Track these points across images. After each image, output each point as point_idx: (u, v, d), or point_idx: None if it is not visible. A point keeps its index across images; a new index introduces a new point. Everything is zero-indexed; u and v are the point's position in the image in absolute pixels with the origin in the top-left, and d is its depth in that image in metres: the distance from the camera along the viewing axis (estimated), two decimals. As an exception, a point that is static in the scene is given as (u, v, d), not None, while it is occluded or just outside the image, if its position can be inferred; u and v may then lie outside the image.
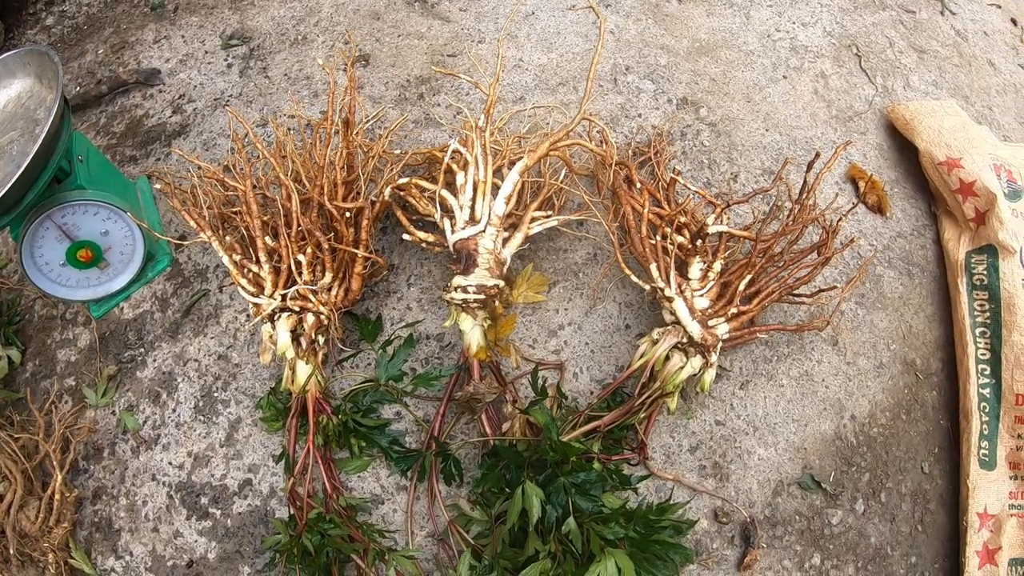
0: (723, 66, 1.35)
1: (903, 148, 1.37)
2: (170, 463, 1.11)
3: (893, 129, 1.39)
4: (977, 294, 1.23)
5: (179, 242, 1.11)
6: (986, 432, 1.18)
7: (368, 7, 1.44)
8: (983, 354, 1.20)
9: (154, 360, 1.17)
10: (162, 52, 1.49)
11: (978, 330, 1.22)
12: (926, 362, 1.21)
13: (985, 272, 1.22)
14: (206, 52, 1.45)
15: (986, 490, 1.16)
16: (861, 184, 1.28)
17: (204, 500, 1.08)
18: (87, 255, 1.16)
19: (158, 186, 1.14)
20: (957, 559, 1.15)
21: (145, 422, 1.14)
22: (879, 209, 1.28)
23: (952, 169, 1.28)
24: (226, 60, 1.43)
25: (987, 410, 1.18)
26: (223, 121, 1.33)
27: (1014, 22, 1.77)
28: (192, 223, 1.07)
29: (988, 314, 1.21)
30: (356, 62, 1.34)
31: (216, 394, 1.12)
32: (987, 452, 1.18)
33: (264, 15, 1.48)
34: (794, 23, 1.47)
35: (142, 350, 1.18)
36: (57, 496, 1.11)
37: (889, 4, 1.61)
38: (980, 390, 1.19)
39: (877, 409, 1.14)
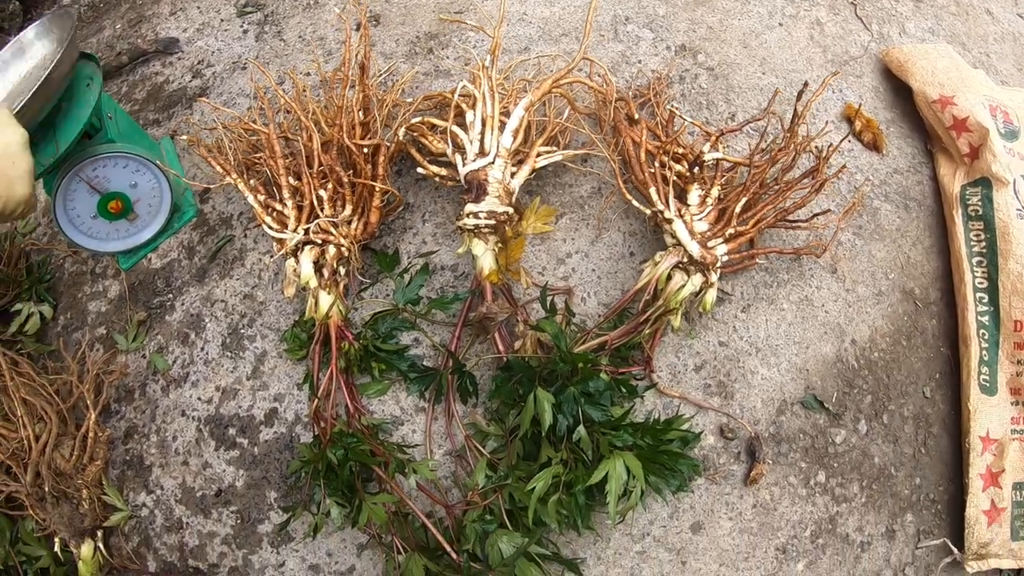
0: (720, 15, 1.47)
1: (899, 90, 1.49)
2: (199, 398, 1.23)
3: (888, 72, 1.50)
4: (973, 224, 1.34)
5: (207, 186, 1.23)
6: (986, 358, 1.27)
7: (376, -28, 1.58)
8: (980, 283, 1.30)
9: (182, 304, 1.29)
10: (179, 23, 1.64)
11: (975, 259, 1.32)
12: (925, 292, 1.31)
13: (980, 203, 1.33)
14: (222, 20, 1.60)
15: (988, 414, 1.25)
16: (857, 123, 1.39)
17: (232, 431, 1.20)
18: (117, 206, 1.29)
19: (184, 137, 1.28)
20: (961, 482, 1.24)
21: (175, 362, 1.26)
22: (875, 147, 1.39)
23: (945, 107, 1.39)
24: (242, 27, 1.57)
25: (986, 337, 1.28)
26: (242, 82, 1.47)
27: (1012, -27, 1.88)
28: (218, 168, 1.20)
29: (984, 244, 1.31)
30: (367, 22, 1.47)
31: (242, 331, 1.24)
32: (988, 378, 1.27)
33: (277, -16, 1.62)
34: (789, -25, 1.59)
35: (170, 296, 1.31)
36: (91, 435, 1.24)
37: (885, -44, 1.73)
38: (979, 317, 1.29)
39: (877, 335, 1.25)
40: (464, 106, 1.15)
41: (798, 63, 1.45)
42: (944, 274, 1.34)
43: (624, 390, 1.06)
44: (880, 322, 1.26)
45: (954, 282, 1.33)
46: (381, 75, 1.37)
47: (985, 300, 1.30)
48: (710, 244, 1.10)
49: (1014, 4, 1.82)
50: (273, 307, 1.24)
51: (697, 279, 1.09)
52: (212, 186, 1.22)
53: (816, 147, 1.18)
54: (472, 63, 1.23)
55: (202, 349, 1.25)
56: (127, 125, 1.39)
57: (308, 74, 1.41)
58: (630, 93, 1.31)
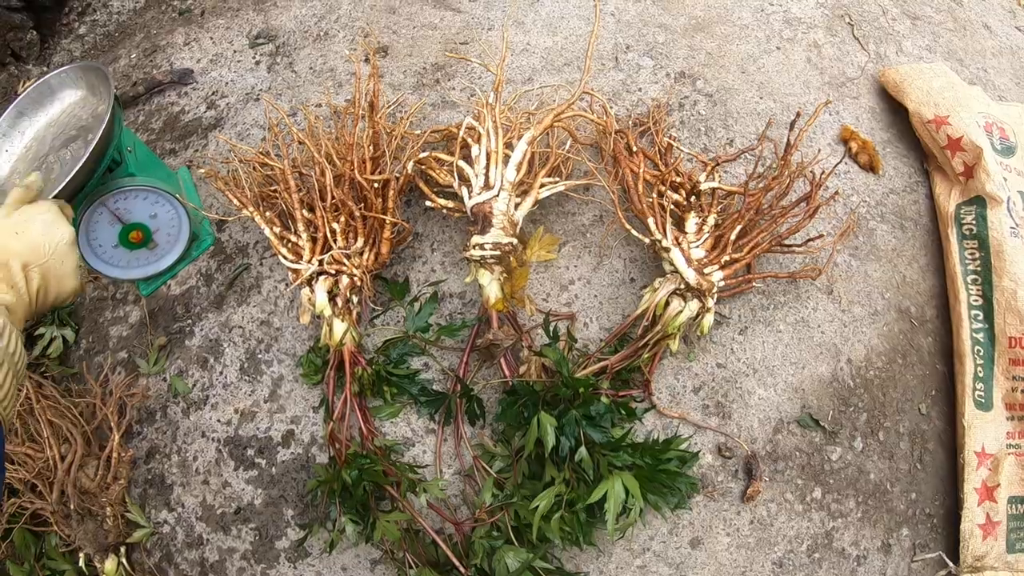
0: (718, 41, 1.56)
1: (895, 111, 1.56)
2: (218, 420, 1.33)
3: (885, 93, 1.58)
4: (967, 243, 1.41)
5: (223, 219, 1.33)
6: (981, 374, 1.35)
7: (384, 2, 1.68)
8: (975, 300, 1.38)
9: (201, 329, 1.40)
10: (192, 53, 1.74)
11: (969, 277, 1.39)
12: (920, 310, 1.39)
13: (974, 222, 1.40)
14: (235, 51, 1.70)
15: (983, 430, 1.33)
16: (853, 145, 1.47)
17: (250, 452, 1.30)
18: (138, 236, 1.40)
19: (201, 171, 1.38)
20: (957, 496, 1.31)
21: (194, 385, 1.36)
22: (871, 168, 1.46)
23: (940, 127, 1.47)
24: (254, 58, 1.67)
25: (981, 353, 1.35)
26: (255, 113, 1.58)
27: (1012, -15, 1.95)
28: (235, 201, 1.30)
29: (978, 262, 1.39)
30: (376, 53, 1.57)
31: (260, 356, 1.34)
32: (983, 394, 1.34)
33: (287, 14, 1.73)
34: (787, -3, 1.68)
35: (190, 321, 1.41)
36: (114, 455, 1.34)
37: (883, -26, 1.80)
38: (973, 334, 1.36)
39: (873, 353, 1.32)
40: (469, 140, 1.24)
41: (795, 87, 1.53)
42: (940, 292, 1.41)
43: (624, 412, 1.15)
44: (876, 341, 1.33)
45: (949, 300, 1.40)
46: (390, 106, 1.46)
47: (980, 317, 1.37)
48: (706, 271, 1.18)
49: (1012, 17, 1.88)
50: (289, 333, 1.34)
51: (694, 305, 1.17)
52: (229, 218, 1.32)
53: (811, 172, 1.26)
54: (477, 96, 1.32)
55: (221, 373, 1.35)
56: (146, 157, 1.50)
57: (319, 106, 1.51)
58: (630, 122, 1.40)
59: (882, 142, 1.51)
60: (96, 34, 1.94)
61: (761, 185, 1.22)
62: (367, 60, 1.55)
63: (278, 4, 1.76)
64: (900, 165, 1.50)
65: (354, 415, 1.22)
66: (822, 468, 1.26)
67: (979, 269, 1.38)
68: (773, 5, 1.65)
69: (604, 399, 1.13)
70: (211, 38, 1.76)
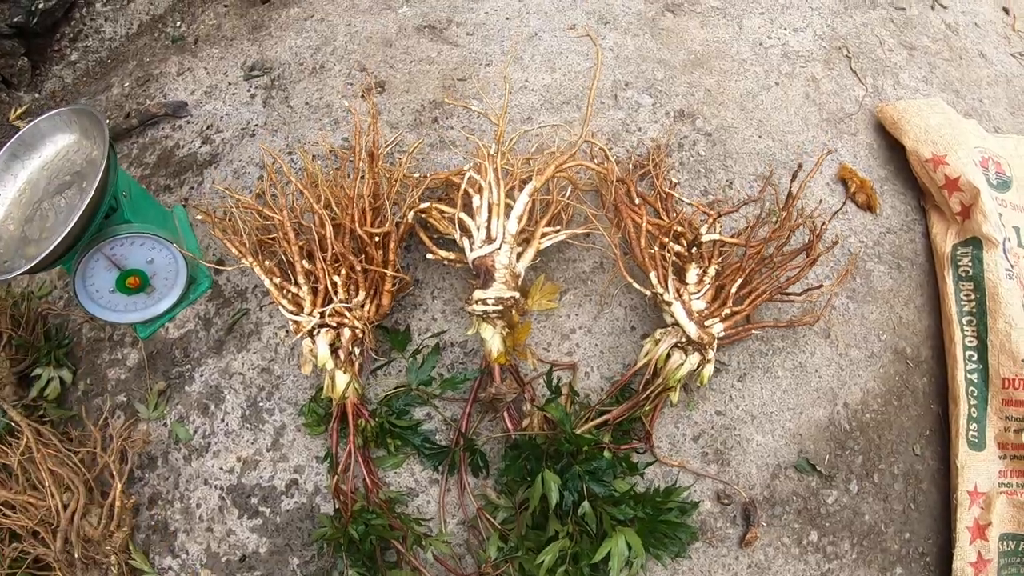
0: (717, 76, 1.53)
1: (892, 146, 1.55)
2: (221, 468, 1.32)
3: (882, 128, 1.56)
4: (963, 285, 1.41)
5: (218, 267, 1.31)
6: (974, 415, 1.36)
7: (380, 34, 1.64)
8: (970, 341, 1.38)
9: (201, 375, 1.37)
10: (186, 84, 1.70)
11: (965, 319, 1.39)
12: (916, 350, 1.39)
13: (970, 264, 1.40)
14: (229, 83, 1.66)
15: (976, 469, 1.34)
16: (851, 184, 1.46)
17: (254, 500, 1.29)
18: (135, 282, 1.38)
19: (199, 217, 1.35)
20: (949, 535, 1.33)
21: (195, 432, 1.35)
22: (869, 207, 1.45)
23: (938, 166, 1.46)
24: (249, 91, 1.63)
25: (975, 394, 1.36)
26: (251, 150, 1.54)
27: (1006, 11, 1.93)
28: (234, 251, 1.27)
29: (974, 303, 1.39)
30: (373, 91, 1.54)
31: (261, 404, 1.32)
32: (976, 434, 1.35)
33: (282, 45, 1.68)
34: (785, 29, 1.65)
35: (189, 366, 1.39)
36: (117, 503, 1.33)
37: (880, 2, 1.78)
38: (968, 375, 1.37)
39: (869, 396, 1.33)
40: (471, 191, 1.22)
41: (794, 124, 1.51)
42: (936, 332, 1.41)
43: (626, 466, 1.15)
44: (872, 383, 1.34)
45: (944, 341, 1.40)
46: (388, 146, 1.43)
47: (975, 358, 1.37)
48: (707, 323, 1.17)
49: (1007, 43, 1.87)
50: (290, 381, 1.32)
51: (695, 358, 1.17)
52: (227, 267, 1.29)
53: (811, 219, 1.25)
54: (475, 138, 1.29)
55: (222, 420, 1.34)
56: (140, 198, 1.47)
57: (316, 144, 1.48)
58: (631, 165, 1.38)
59: (879, 179, 1.50)
60: (88, 61, 1.88)
61: (762, 236, 1.21)
62: (363, 97, 1.52)
63: (272, 34, 1.71)
64: (897, 203, 1.49)
65: (358, 466, 1.21)
66: (818, 512, 1.27)
67: (974, 311, 1.38)
68: (771, 39, 1.62)
69: (607, 454, 1.13)
70: (205, 68, 1.71)
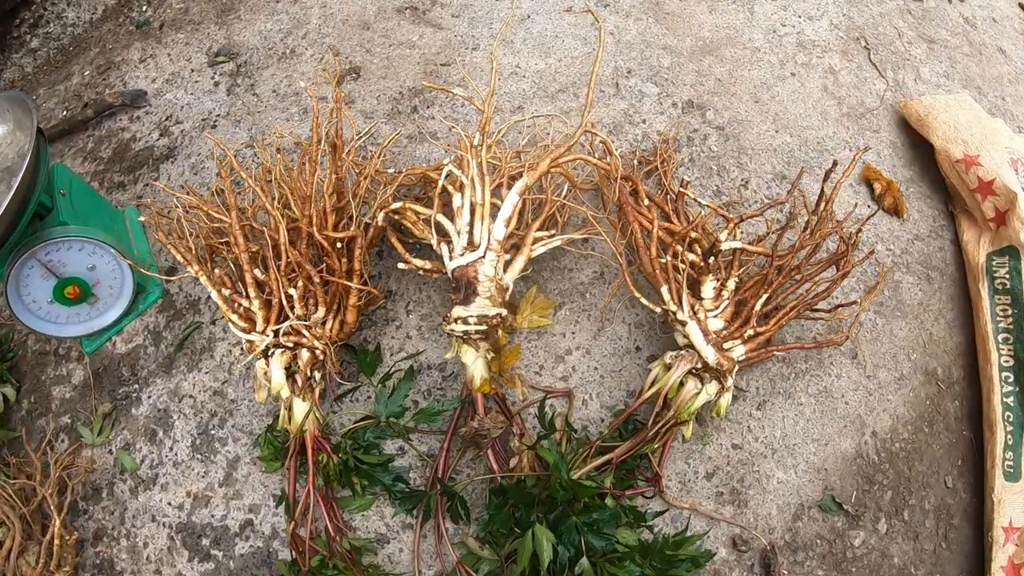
0: (728, 65, 1.22)
1: (916, 144, 1.25)
2: (169, 503, 1.02)
3: (906, 125, 1.26)
4: (999, 299, 1.12)
5: (167, 278, 1.00)
6: (1011, 443, 1.07)
7: (357, 16, 1.31)
8: (1006, 361, 1.09)
9: (149, 396, 1.07)
10: (148, 72, 1.37)
11: (1000, 336, 1.10)
12: (947, 370, 1.10)
13: (1007, 276, 1.11)
14: (192, 70, 1.33)
15: (1011, 503, 1.06)
16: (877, 186, 1.16)
17: (205, 541, 0.99)
18: (75, 291, 1.06)
19: (142, 218, 1.03)
20: (982, 574, 1.05)
21: (142, 461, 1.04)
22: (896, 211, 1.15)
23: (970, 167, 1.16)
24: (213, 78, 1.30)
25: (1011, 420, 1.07)
26: (211, 143, 1.22)
27: (1022, 7, 1.62)
28: (179, 257, 0.96)
29: (1011, 319, 1.10)
30: (346, 76, 1.22)
31: (213, 431, 1.02)
32: (1012, 464, 1.07)
33: (251, 29, 1.35)
34: (800, 16, 1.33)
35: (136, 386, 1.08)
36: (56, 541, 1.02)
37: (896, -8, 1.46)
38: (1004, 399, 1.08)
39: (899, 423, 1.04)
40: (451, 189, 0.91)
41: (812, 118, 1.20)
42: (968, 350, 1.13)
43: (631, 516, 0.86)
44: (902, 409, 1.05)
45: (979, 361, 1.11)
46: (360, 138, 1.12)
47: (1011, 380, 1.09)
48: (726, 346, 0.88)
49: None
50: (245, 407, 1.02)
51: (712, 387, 0.87)
52: (173, 278, 0.98)
53: (841, 225, 0.95)
54: (458, 134, 0.98)
55: (171, 449, 1.03)
56: (85, 197, 1.14)
57: (282, 136, 1.16)
58: (635, 160, 1.07)
59: (904, 180, 1.20)
60: (49, 48, 1.54)
61: (790, 244, 0.91)
62: (339, 83, 1.19)
63: (242, 17, 1.38)
64: (924, 207, 1.19)
65: (320, 507, 0.91)
66: (844, 555, 0.98)
67: (1011, 327, 1.09)
68: (786, 26, 1.31)
69: (609, 501, 0.84)
70: (169, 55, 1.38)
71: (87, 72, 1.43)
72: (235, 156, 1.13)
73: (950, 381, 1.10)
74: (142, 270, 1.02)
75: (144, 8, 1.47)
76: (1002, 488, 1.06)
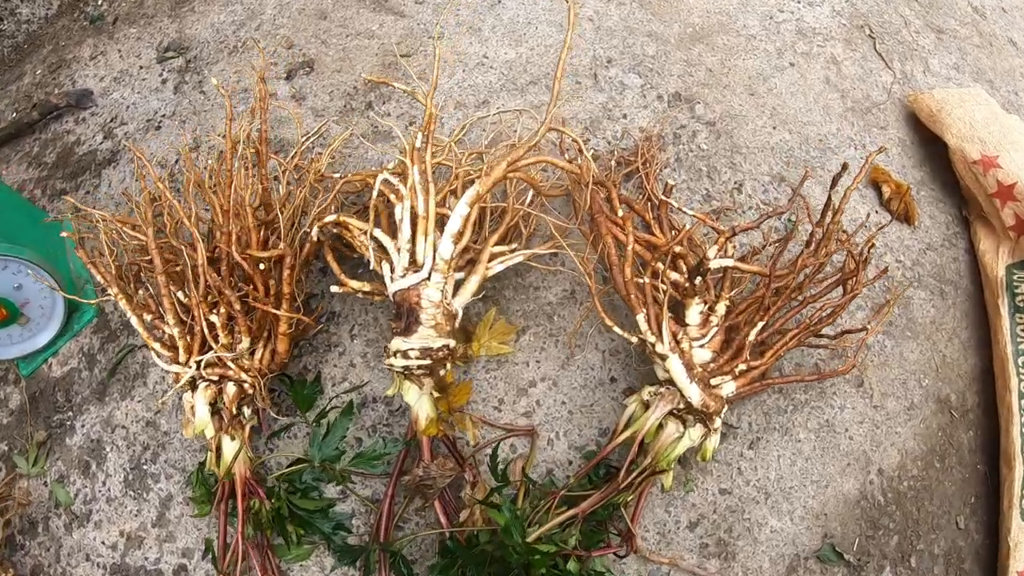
0: (721, 54, 0.99)
1: (927, 143, 1.01)
2: (103, 543, 0.84)
3: (915, 121, 1.03)
4: (1021, 317, 0.90)
5: (91, 301, 0.80)
6: (1031, 477, 0.86)
7: (315, 5, 1.08)
8: (1029, 387, 0.88)
9: (82, 425, 0.88)
10: (98, 70, 1.15)
11: (1021, 359, 0.88)
12: (961, 397, 0.89)
13: (1033, 291, 0.89)
14: (141, 67, 1.12)
15: (1030, 544, 0.85)
16: (885, 189, 0.93)
17: (140, 584, 0.81)
18: (2, 313, 0.87)
19: (64, 234, 0.83)
20: (995, 622, 0.85)
21: (76, 495, 0.86)
22: (906, 218, 0.93)
23: (989, 169, 0.93)
24: (161, 75, 1.09)
25: (1033, 451, 0.86)
26: (155, 145, 1.01)
27: (1038, -8, 1.36)
28: (99, 277, 0.76)
29: (1036, 340, 0.88)
30: (298, 70, 1.00)
31: (145, 466, 0.83)
32: (1032, 501, 0.86)
33: (203, 21, 1.13)
34: (799, 2, 1.09)
35: (71, 413, 0.90)
36: (-11, 577, 0.85)
37: (903, -24, 1.21)
38: (1023, 430, 0.87)
39: (908, 459, 0.83)
40: (393, 198, 0.70)
41: (814, 113, 0.97)
42: (983, 373, 0.91)
43: (600, 582, 0.66)
44: (911, 443, 0.84)
45: (997, 388, 0.90)
46: (308, 139, 0.91)
47: (1032, 408, 0.87)
48: (714, 383, 0.67)
49: None
50: (178, 441, 0.83)
51: (696, 432, 0.67)
52: (95, 301, 0.79)
53: (848, 238, 0.73)
54: (408, 134, 0.76)
55: (104, 484, 0.85)
56: (13, 211, 0.94)
57: (222, 136, 0.95)
58: (613, 161, 0.85)
59: (915, 183, 0.97)
60: (3, 46, 1.33)
61: (790, 261, 0.69)
62: (288, 77, 0.98)
63: (195, 9, 1.16)
64: (936, 212, 0.97)
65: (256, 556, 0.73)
66: (844, 608, 0.79)
67: (1036, 349, 0.88)
68: (784, 12, 1.07)
69: (572, 566, 0.64)
70: (119, 51, 1.16)
71: (39, 71, 1.22)
72: (177, 162, 0.93)
73: (964, 409, 0.89)
74: (63, 293, 0.83)
75: (99, 2, 1.26)
76: (1019, 530, 0.85)
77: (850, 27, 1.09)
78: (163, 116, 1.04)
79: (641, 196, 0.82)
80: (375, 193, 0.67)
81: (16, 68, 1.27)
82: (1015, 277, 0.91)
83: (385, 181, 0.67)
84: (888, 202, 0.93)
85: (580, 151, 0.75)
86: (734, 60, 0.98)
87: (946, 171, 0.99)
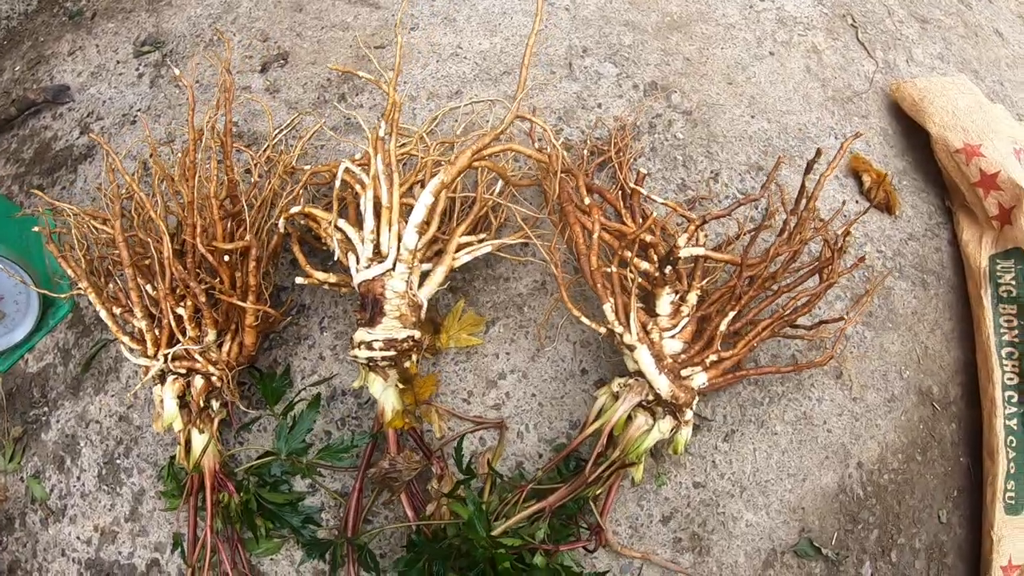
0: (699, 43, 0.97)
1: (909, 132, 1.00)
2: (78, 538, 0.83)
3: (898, 110, 1.01)
4: (1004, 308, 0.88)
5: (63, 296, 0.80)
6: (1013, 471, 0.85)
7: (291, -2, 1.08)
8: (1010, 379, 0.86)
9: (57, 420, 0.88)
10: (76, 65, 1.15)
11: (1004, 350, 0.87)
12: (943, 389, 0.87)
13: (1013, 282, 0.87)
14: (118, 62, 1.11)
15: (1012, 539, 0.84)
16: (866, 179, 0.91)
17: (113, 579, 0.81)
18: (-24, 309, 0.87)
19: (36, 229, 0.83)
20: (978, 616, 0.84)
21: (52, 491, 0.86)
22: (887, 207, 0.91)
23: (971, 158, 0.91)
24: (137, 70, 1.09)
25: (1015, 444, 0.84)
26: (131, 140, 1.01)
27: (1026, -19, 1.34)
28: (69, 271, 0.76)
29: (1017, 332, 0.86)
30: (272, 63, 0.99)
31: (119, 461, 0.83)
32: (1014, 494, 0.85)
33: (180, 15, 1.13)
34: (781, -11, 1.08)
35: (46, 409, 0.89)
36: (-36, 572, 0.85)
37: (889, -36, 1.19)
38: (1007, 422, 0.85)
39: (888, 452, 0.82)
40: (359, 189, 0.69)
41: (793, 102, 0.96)
42: (966, 364, 0.90)
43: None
44: (892, 435, 0.83)
45: (980, 380, 0.88)
46: (281, 131, 0.90)
47: (1015, 399, 0.86)
48: (685, 374, 0.66)
49: (1023, 24, 1.28)
50: (150, 435, 0.82)
51: (666, 424, 0.66)
52: (66, 295, 0.78)
53: (825, 227, 0.72)
54: (375, 124, 0.75)
55: (78, 479, 0.85)
56: (-13, 203, 0.95)
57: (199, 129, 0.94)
58: (586, 150, 0.84)
59: (897, 172, 0.96)
60: (-14, 44, 1.32)
61: (766, 249, 0.68)
62: (263, 69, 0.97)
63: (173, 3, 1.15)
64: (918, 202, 0.95)
65: (227, 550, 0.72)
66: (821, 603, 0.78)
67: (1017, 341, 0.86)
68: (764, 1, 1.05)
69: (539, 560, 0.63)
70: (97, 46, 1.16)
71: (18, 67, 1.22)
72: (153, 155, 0.92)
73: (946, 401, 0.87)
74: (37, 288, 0.82)
75: (79, -2, 1.25)
76: (1002, 523, 0.84)
77: (832, 16, 1.08)
78: (138, 111, 1.03)
79: (615, 185, 0.81)
80: (338, 183, 0.66)
81: (-3, 65, 1.27)
82: (998, 267, 0.89)
83: (348, 171, 0.66)
84: (868, 191, 0.91)
85: (550, 140, 0.74)
86: (712, 49, 0.97)
87: (929, 161, 0.97)
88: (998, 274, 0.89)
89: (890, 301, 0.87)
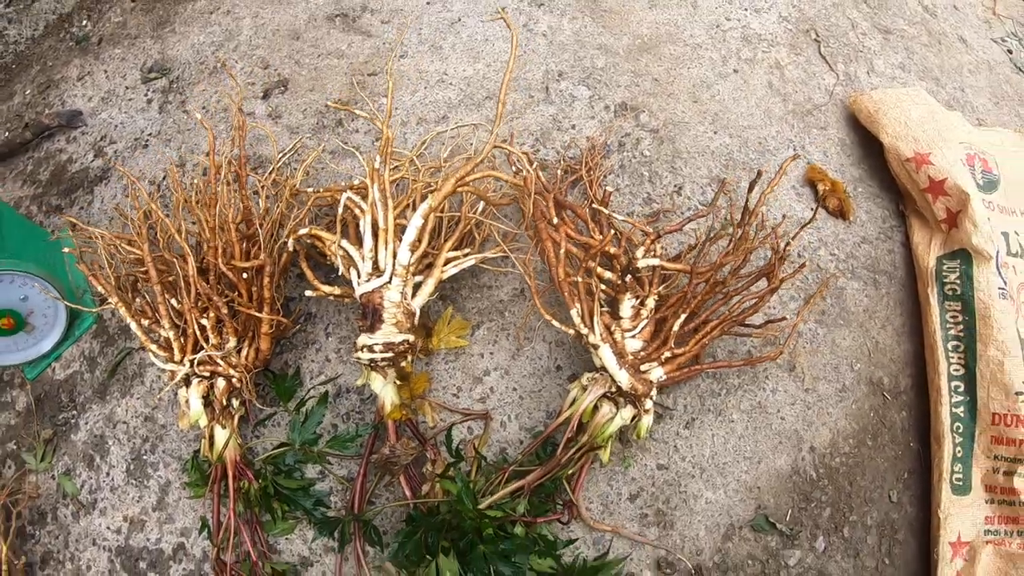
0: (667, 63, 1.15)
1: (867, 142, 1.17)
2: (108, 528, 1.02)
3: (856, 122, 1.18)
4: (949, 305, 1.05)
5: (92, 310, 0.98)
6: (959, 454, 1.02)
7: (288, 26, 1.26)
8: (956, 370, 1.03)
9: (86, 423, 1.06)
10: (85, 90, 1.34)
11: (950, 344, 1.04)
12: (894, 380, 1.05)
13: (958, 281, 1.04)
14: (127, 88, 1.30)
15: (959, 517, 1.01)
16: (820, 187, 1.09)
17: (143, 565, 0.99)
18: (9, 323, 1.05)
19: (66, 251, 1.01)
20: (928, 588, 1.01)
21: (82, 486, 1.04)
22: (841, 213, 1.09)
23: (921, 165, 1.08)
24: (146, 95, 1.27)
25: (960, 430, 1.01)
26: (144, 163, 1.19)
27: (994, -14, 1.51)
28: (99, 288, 0.94)
29: (962, 327, 1.03)
30: (273, 89, 1.17)
31: (145, 457, 1.01)
32: (960, 476, 1.02)
33: (184, 43, 1.31)
34: (746, 10, 1.25)
35: (75, 412, 1.08)
36: (4, 566, 1.03)
37: (855, -23, 1.37)
38: (953, 409, 1.02)
39: (840, 437, 0.99)
40: (358, 212, 0.87)
41: (755, 117, 1.13)
42: (916, 357, 1.07)
43: (543, 544, 0.83)
44: (843, 422, 1.00)
45: (927, 371, 1.05)
46: (284, 156, 1.08)
47: (961, 389, 1.03)
48: (644, 368, 0.83)
49: (987, 28, 1.45)
50: (174, 432, 1.00)
51: (627, 411, 0.83)
52: (96, 309, 0.96)
53: (774, 235, 0.89)
54: (369, 154, 0.93)
55: (107, 474, 1.03)
56: (15, 228, 1.13)
57: (206, 155, 1.12)
58: (560, 170, 1.02)
59: (852, 180, 1.13)
60: (-6, 68, 1.51)
61: (713, 259, 0.85)
62: (265, 96, 1.15)
63: (176, 30, 1.34)
64: (873, 207, 1.12)
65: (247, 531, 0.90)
66: None
67: (962, 335, 1.03)
68: (730, 20, 1.23)
69: (518, 530, 0.81)
70: (105, 71, 1.34)
71: (28, 91, 1.41)
72: (165, 179, 1.11)
73: (897, 391, 1.04)
74: (65, 302, 1.00)
75: (84, 23, 1.44)
76: (949, 502, 1.01)
77: (796, 32, 1.25)
78: (149, 135, 1.21)
79: (586, 201, 0.98)
80: (340, 210, 0.84)
81: (6, 88, 1.46)
82: (945, 267, 1.06)
83: (349, 198, 0.84)
84: (824, 199, 1.08)
85: (526, 164, 0.91)
86: (680, 69, 1.14)
87: (884, 168, 1.15)
88: (944, 274, 1.06)
89: (842, 300, 1.04)
